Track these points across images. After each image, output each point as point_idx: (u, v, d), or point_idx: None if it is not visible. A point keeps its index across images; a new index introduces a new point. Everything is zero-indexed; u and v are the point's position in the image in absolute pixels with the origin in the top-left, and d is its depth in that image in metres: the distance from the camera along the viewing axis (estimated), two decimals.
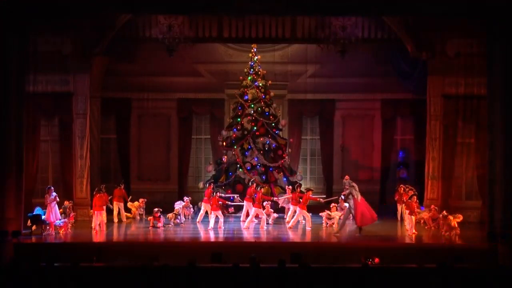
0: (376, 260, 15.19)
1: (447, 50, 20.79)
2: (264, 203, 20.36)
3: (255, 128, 23.05)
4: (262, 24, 21.87)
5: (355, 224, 19.13)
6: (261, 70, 23.56)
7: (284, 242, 18.21)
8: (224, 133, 23.39)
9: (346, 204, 19.39)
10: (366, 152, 25.15)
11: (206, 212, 20.01)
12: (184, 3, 18.07)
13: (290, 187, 21.08)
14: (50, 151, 21.83)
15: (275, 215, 20.91)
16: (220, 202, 20.08)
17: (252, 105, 23.15)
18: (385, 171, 24.56)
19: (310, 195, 19.67)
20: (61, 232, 18.43)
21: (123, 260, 13.98)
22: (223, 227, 19.55)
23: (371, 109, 24.97)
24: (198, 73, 24.70)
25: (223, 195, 21.21)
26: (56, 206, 18.88)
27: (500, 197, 17.33)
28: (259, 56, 23.57)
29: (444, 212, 18.89)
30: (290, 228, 19.63)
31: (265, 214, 20.01)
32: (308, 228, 19.44)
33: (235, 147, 23.01)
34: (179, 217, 20.39)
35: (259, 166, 22.78)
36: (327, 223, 20.15)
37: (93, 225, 19.10)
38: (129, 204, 21.41)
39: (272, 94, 23.57)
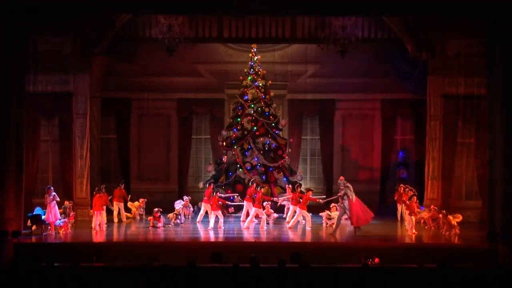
0: (376, 260, 15.19)
1: (447, 50, 20.79)
2: (264, 203, 20.36)
3: (255, 128, 23.03)
4: (262, 24, 21.86)
5: (351, 225, 19.14)
6: (261, 70, 23.53)
7: (284, 242, 18.21)
8: (224, 133, 23.37)
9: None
10: (366, 152, 25.14)
11: (206, 212, 20.00)
12: (184, 3, 18.07)
13: (290, 186, 21.09)
14: (50, 151, 21.81)
15: (275, 215, 20.92)
16: (220, 202, 20.07)
17: (252, 105, 23.14)
18: (385, 171, 24.56)
19: (310, 195, 19.65)
20: (61, 232, 18.43)
21: (123, 260, 13.97)
22: (223, 227, 19.54)
23: (371, 109, 24.96)
24: (198, 73, 24.69)
25: (223, 195, 21.18)
26: (56, 206, 18.86)
27: (500, 197, 17.33)
28: (259, 56, 23.55)
29: (444, 212, 18.92)
30: (290, 228, 19.61)
31: (265, 214, 20.01)
32: (308, 228, 19.44)
33: (235, 147, 22.99)
34: (179, 217, 20.40)
35: (259, 166, 22.76)
36: (327, 223, 20.13)
37: (93, 225, 19.10)
38: (129, 204, 21.41)
39: (272, 94, 23.55)
